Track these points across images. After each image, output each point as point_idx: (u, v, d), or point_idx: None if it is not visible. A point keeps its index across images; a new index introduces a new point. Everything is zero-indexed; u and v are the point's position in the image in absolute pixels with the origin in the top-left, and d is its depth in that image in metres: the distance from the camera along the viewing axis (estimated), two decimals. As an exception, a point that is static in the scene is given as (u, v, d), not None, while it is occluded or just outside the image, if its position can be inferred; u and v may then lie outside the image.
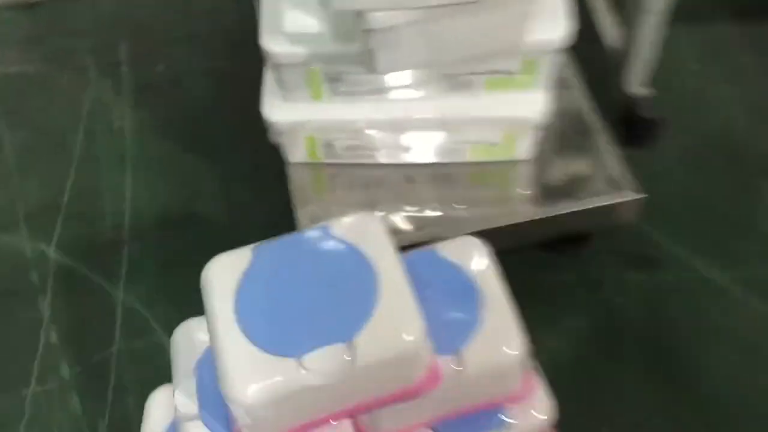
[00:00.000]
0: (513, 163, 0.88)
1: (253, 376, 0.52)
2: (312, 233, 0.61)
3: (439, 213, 0.85)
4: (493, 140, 0.84)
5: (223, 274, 0.58)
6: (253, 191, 1.03)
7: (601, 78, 0.96)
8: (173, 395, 0.62)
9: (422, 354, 0.56)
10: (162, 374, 0.67)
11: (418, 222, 0.84)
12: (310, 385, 0.53)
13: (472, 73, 0.77)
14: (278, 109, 0.82)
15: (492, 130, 0.83)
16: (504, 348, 0.63)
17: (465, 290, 0.66)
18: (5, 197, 1.05)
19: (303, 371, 0.52)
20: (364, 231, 0.60)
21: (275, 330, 0.55)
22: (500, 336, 0.63)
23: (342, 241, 0.59)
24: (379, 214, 0.81)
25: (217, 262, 0.59)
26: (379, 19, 0.64)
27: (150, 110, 1.13)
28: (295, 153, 0.87)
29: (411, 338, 0.54)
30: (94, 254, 0.99)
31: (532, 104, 0.80)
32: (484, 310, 0.65)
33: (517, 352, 0.63)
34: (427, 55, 0.70)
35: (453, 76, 0.77)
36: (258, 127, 0.84)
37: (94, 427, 0.86)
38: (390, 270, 0.57)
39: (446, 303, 0.65)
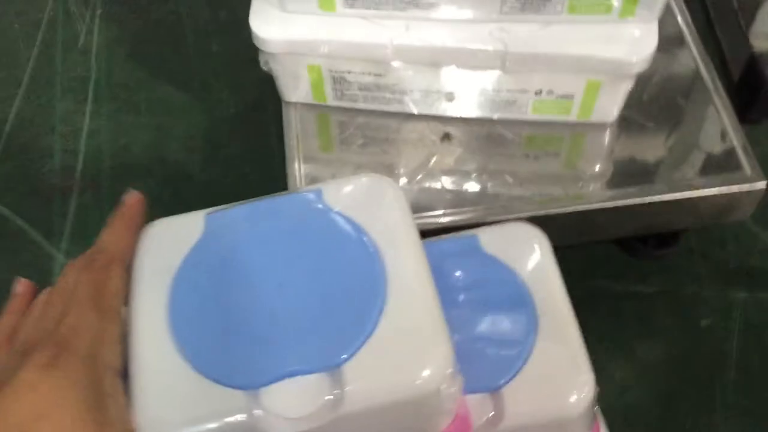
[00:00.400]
0: (589, 126, 0.65)
1: (182, 411, 0.32)
2: (294, 199, 0.40)
3: (481, 187, 0.62)
4: (567, 91, 0.60)
5: (159, 252, 0.38)
6: (238, 138, 0.80)
7: (717, 28, 0.72)
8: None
9: (445, 395, 0.35)
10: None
11: (453, 198, 0.61)
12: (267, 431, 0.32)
13: (554, -14, 0.53)
14: (272, 22, 0.58)
15: (569, 77, 0.59)
16: (565, 390, 0.43)
17: (514, 299, 0.47)
18: (-67, 119, 0.83)
19: (257, 411, 0.32)
20: (373, 202, 0.39)
21: (223, 345, 0.34)
22: (560, 371, 0.44)
23: (338, 215, 0.39)
24: (397, 180, 0.59)
25: (153, 232, 0.39)
26: None
27: (125, 26, 0.90)
28: (294, 89, 0.64)
29: (429, 372, 0.34)
30: (35, 202, 0.78)
31: (631, 42, 0.56)
32: (540, 329, 0.45)
33: (584, 397, 0.43)
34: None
35: (524, -11, 0.53)
36: (253, 54, 0.62)
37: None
38: (405, 263, 0.36)
39: (486, 316, 0.46)
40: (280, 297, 0.35)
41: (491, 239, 0.49)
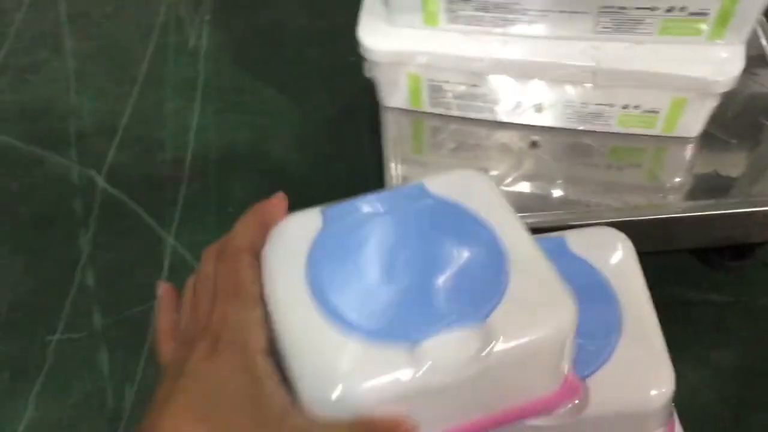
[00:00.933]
0: (672, 140, 0.68)
1: (344, 372, 0.34)
2: (400, 192, 0.43)
3: (566, 193, 0.66)
4: (653, 106, 0.64)
5: (287, 241, 0.41)
6: (337, 138, 0.86)
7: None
8: None
9: (568, 346, 0.39)
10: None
11: (538, 201, 0.65)
12: (428, 384, 0.35)
13: (646, 8, 0.56)
14: (378, 34, 0.64)
15: (655, 93, 0.62)
16: (646, 384, 0.46)
17: (600, 297, 0.50)
18: (59, 111, 0.92)
19: (419, 363, 0.34)
20: (471, 192, 0.42)
21: (373, 309, 0.37)
22: (642, 366, 0.46)
23: (447, 202, 0.42)
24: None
25: (279, 230, 0.42)
26: None
27: (231, 31, 0.97)
28: (393, 95, 0.70)
29: (556, 322, 0.37)
30: (148, 189, 0.85)
31: (718, 63, 0.60)
32: (623, 326, 0.48)
33: (664, 392, 0.45)
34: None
35: (617, 10, 0.57)
36: (353, 62, 0.68)
37: (120, 392, 0.73)
38: (516, 235, 0.40)
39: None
40: (414, 267, 0.38)
41: (578, 241, 0.52)
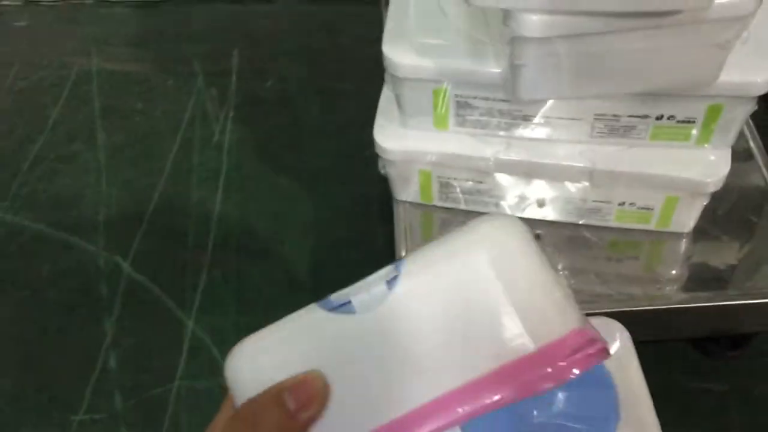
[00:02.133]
0: (667, 235, 0.72)
1: None
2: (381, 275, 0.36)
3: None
4: (647, 204, 0.68)
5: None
6: (350, 228, 0.91)
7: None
8: None
9: None
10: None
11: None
12: None
13: (638, 116, 0.62)
14: (392, 135, 0.69)
15: (649, 192, 0.67)
16: None
17: (599, 384, 0.52)
18: (89, 199, 0.97)
19: None
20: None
21: None
22: None
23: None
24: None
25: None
26: (531, 24, 0.50)
27: (253, 127, 1.04)
28: (405, 190, 0.75)
29: None
30: (171, 275, 0.90)
31: (706, 165, 0.65)
32: (621, 416, 0.50)
33: None
34: (585, 83, 0.55)
35: (611, 117, 0.62)
36: (366, 156, 0.73)
37: (138, 473, 0.75)
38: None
39: (572, 398, 0.50)
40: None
41: (578, 331, 0.56)
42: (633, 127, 0.63)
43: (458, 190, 0.73)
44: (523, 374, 0.32)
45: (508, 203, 0.73)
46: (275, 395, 0.30)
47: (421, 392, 0.31)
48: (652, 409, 0.52)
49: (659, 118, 0.62)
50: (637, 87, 0.56)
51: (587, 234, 0.73)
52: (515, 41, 0.53)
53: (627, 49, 0.52)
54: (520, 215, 0.74)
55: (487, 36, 0.62)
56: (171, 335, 0.85)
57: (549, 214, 0.73)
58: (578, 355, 0.33)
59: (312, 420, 0.30)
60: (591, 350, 0.33)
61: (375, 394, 0.31)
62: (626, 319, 0.60)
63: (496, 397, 0.31)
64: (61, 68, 1.14)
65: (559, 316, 0.33)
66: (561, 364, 0.32)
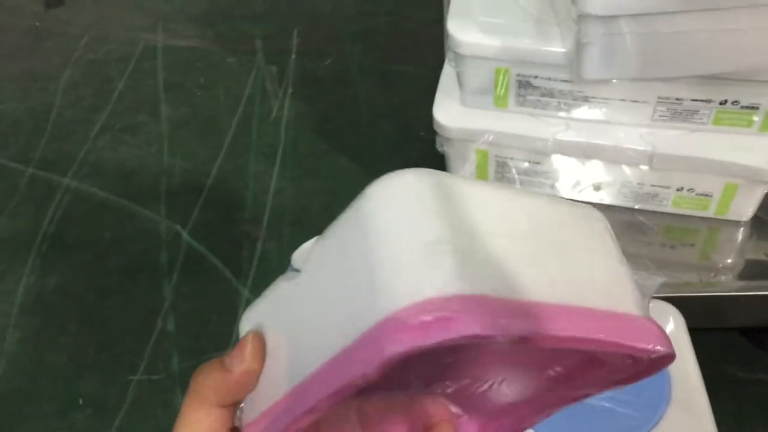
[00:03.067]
0: (724, 222, 0.72)
1: None
2: None
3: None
4: (706, 190, 0.68)
5: None
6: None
7: None
8: None
9: None
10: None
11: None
12: None
13: (701, 100, 0.61)
14: (452, 113, 0.70)
15: (709, 178, 0.67)
16: None
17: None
18: (153, 171, 1.01)
19: None
20: None
21: None
22: None
23: None
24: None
25: None
26: (597, 2, 0.50)
27: (311, 104, 1.06)
28: (462, 168, 0.76)
29: None
30: (228, 245, 0.92)
31: (767, 152, 0.64)
32: (672, 397, 0.52)
33: None
34: (651, 64, 0.56)
35: (674, 101, 0.62)
36: (423, 136, 0.74)
37: (191, 432, 0.78)
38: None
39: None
40: None
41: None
42: (695, 112, 0.63)
43: (514, 170, 0.74)
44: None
45: (563, 185, 0.73)
46: (220, 358, 0.32)
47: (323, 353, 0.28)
48: (705, 393, 0.52)
49: (723, 102, 0.61)
50: (704, 69, 0.56)
51: (643, 219, 0.73)
52: (582, 19, 0.53)
53: (695, 29, 0.52)
54: (575, 198, 0.74)
55: (552, 15, 0.62)
56: (227, 303, 0.87)
57: (605, 198, 0.73)
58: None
59: (248, 374, 0.31)
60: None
61: (296, 354, 0.30)
62: (679, 304, 0.61)
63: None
64: (128, 43, 1.17)
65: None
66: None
